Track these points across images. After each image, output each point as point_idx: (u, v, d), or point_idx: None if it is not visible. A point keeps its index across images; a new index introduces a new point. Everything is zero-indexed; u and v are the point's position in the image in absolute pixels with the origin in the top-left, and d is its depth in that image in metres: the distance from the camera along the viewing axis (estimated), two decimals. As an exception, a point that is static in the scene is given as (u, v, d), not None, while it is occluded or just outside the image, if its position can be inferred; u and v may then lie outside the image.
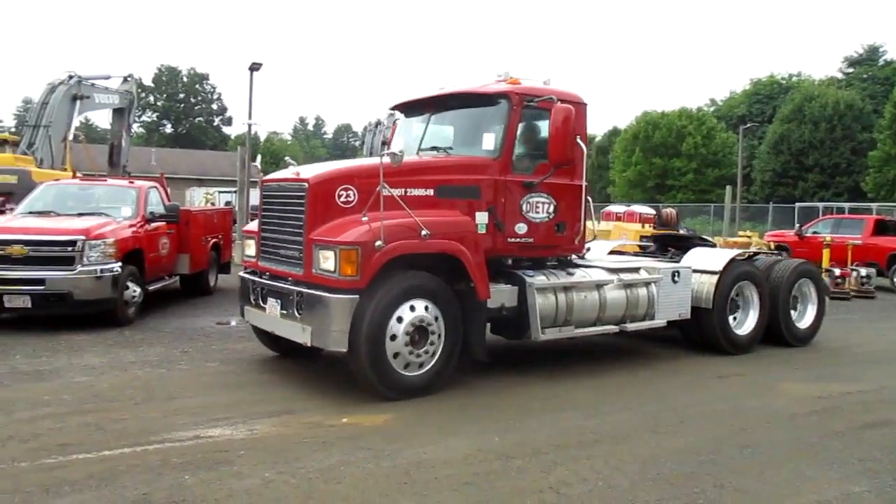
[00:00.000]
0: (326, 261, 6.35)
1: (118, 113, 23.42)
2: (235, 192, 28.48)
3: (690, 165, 53.51)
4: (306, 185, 6.69)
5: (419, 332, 6.56)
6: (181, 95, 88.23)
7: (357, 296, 6.30)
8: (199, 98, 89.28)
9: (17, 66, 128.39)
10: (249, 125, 28.66)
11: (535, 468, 5.07)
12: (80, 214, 10.58)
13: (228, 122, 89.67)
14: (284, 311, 6.83)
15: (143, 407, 6.26)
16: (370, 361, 6.35)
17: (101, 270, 9.54)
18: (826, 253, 17.41)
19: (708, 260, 9.27)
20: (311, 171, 6.96)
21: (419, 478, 4.82)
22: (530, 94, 7.49)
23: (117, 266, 9.77)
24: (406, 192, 6.76)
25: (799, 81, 59.85)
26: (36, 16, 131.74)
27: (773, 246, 18.40)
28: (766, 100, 59.83)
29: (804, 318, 10.27)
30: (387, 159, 6.32)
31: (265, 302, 7.21)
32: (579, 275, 7.89)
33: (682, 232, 13.75)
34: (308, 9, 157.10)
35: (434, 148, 7.71)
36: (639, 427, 6.12)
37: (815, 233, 20.96)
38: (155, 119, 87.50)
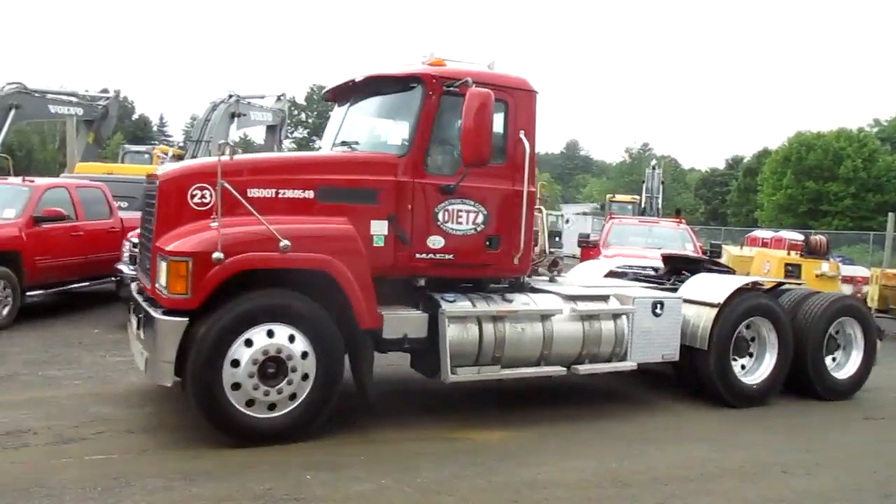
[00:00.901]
0: (162, 274, 5.37)
1: (271, 129, 24.93)
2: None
3: (848, 190, 49.87)
4: (157, 182, 5.81)
5: (276, 365, 5.45)
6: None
7: (186, 318, 5.28)
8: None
9: (187, 85, 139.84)
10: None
11: (651, 498, 4.95)
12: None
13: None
14: (139, 331, 5.90)
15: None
16: (200, 402, 5.31)
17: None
18: None
19: (708, 289, 7.57)
20: (172, 167, 5.98)
21: (530, 497, 4.84)
22: (451, 78, 6.14)
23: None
24: (278, 193, 5.73)
25: (980, 100, 54.42)
26: (203, 40, 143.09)
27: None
28: (940, 120, 54.89)
29: (845, 367, 8.27)
30: (225, 157, 5.40)
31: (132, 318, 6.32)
32: (520, 302, 6.50)
33: (691, 254, 10.91)
34: (448, 26, 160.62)
35: (344, 143, 6.76)
36: (768, 464, 5.81)
37: None
38: (306, 135, 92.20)
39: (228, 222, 5.31)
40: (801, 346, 7.84)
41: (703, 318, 7.30)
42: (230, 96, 22.69)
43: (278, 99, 25.16)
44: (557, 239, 23.25)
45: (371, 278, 5.72)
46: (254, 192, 5.60)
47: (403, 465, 5.27)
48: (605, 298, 7.04)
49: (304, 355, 5.52)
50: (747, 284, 7.83)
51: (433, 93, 6.13)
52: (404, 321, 5.99)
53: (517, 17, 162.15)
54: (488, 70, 6.57)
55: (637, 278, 8.93)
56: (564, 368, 6.63)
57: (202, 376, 5.23)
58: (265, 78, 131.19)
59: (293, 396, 5.52)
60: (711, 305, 7.33)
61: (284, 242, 5.32)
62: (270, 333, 5.41)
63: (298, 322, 5.49)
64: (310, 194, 5.81)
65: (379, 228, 5.97)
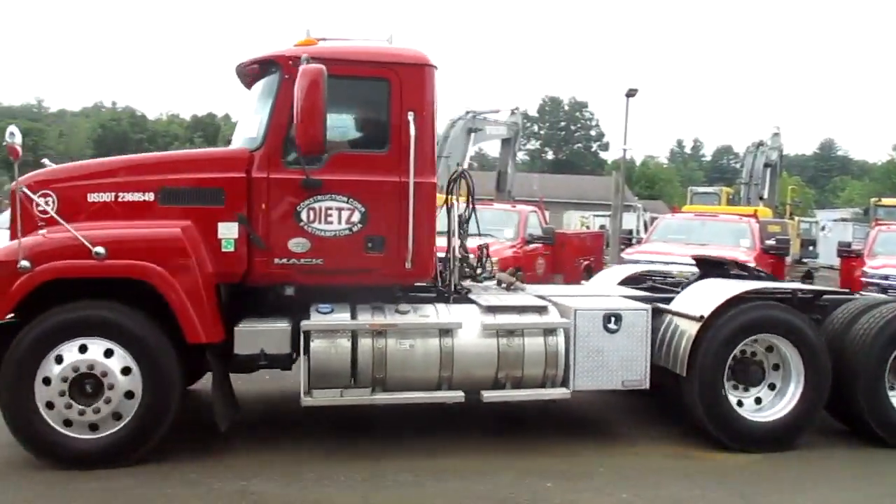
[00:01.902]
0: None
1: (505, 143, 25.66)
2: (609, 215, 29.17)
3: None
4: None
5: (91, 383, 5.00)
6: (562, 123, 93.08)
7: None
8: (579, 125, 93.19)
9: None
10: (624, 150, 29.10)
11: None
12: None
13: (605, 147, 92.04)
14: None
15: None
16: (13, 423, 5.00)
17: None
18: None
19: (697, 298, 6.02)
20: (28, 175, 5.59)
21: (788, 527, 4.50)
22: (312, 58, 5.27)
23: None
24: (117, 197, 5.38)
25: None
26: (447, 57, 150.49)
27: None
28: None
29: None
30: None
31: None
32: (418, 314, 5.59)
33: (721, 257, 8.49)
34: (684, 33, 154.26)
35: (228, 141, 6.29)
36: None
37: None
38: (538, 147, 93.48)
39: (58, 229, 5.11)
40: (848, 375, 5.98)
41: (685, 336, 5.77)
42: (467, 113, 23.81)
43: (512, 113, 25.82)
44: (812, 248, 21.24)
45: (203, 286, 5.24)
46: (94, 197, 5.38)
47: (644, 481, 5.16)
48: (539, 310, 5.85)
49: (126, 371, 5.06)
50: (754, 291, 6.09)
51: (290, 76, 5.37)
52: (259, 335, 5.37)
53: (764, 9, 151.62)
54: (380, 45, 5.83)
55: (655, 286, 7.55)
56: (462, 394, 5.57)
57: (11, 396, 4.98)
58: (499, 91, 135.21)
59: (118, 416, 5.07)
60: (694, 319, 5.76)
61: (97, 249, 4.98)
62: (83, 348, 5.03)
63: (122, 336, 5.07)
64: (150, 197, 5.41)
65: (227, 231, 5.39)
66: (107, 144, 73.58)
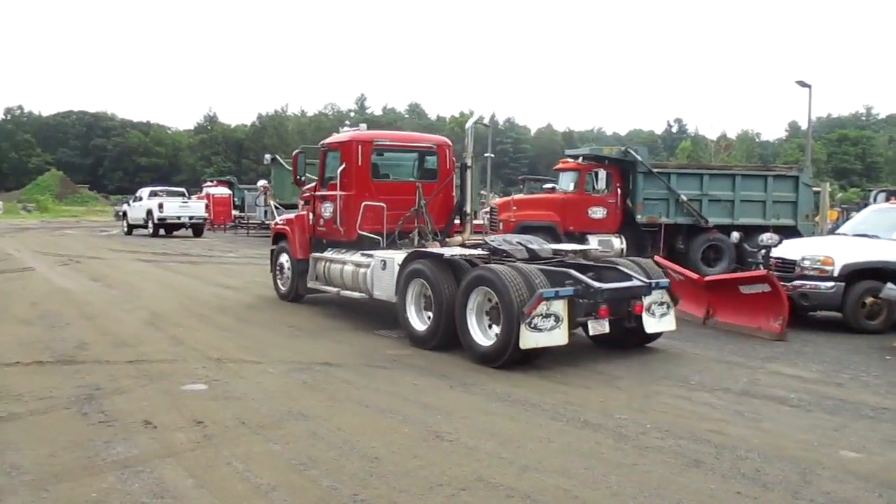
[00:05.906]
0: None
1: None
2: None
3: None
4: None
5: (284, 269, 12.56)
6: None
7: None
8: None
9: None
10: None
11: None
12: None
13: None
14: None
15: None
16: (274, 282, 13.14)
17: None
18: None
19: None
20: None
21: None
22: (324, 144, 12.11)
23: None
24: (307, 203, 12.43)
25: None
26: None
27: None
28: None
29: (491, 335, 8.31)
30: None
31: None
32: (345, 255, 11.16)
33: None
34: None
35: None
36: None
37: None
38: None
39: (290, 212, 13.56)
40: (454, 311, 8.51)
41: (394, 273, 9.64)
42: None
43: None
44: None
45: (301, 237, 12.08)
46: (300, 202, 13.22)
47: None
48: (371, 256, 10.30)
49: (287, 264, 12.42)
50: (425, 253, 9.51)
51: (322, 152, 11.96)
52: (309, 258, 11.97)
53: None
54: (341, 133, 12.10)
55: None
56: (336, 289, 11.18)
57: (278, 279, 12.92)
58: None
59: (290, 281, 12.33)
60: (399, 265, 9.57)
61: (279, 221, 12.91)
62: (283, 257, 12.59)
63: (286, 252, 12.42)
64: (302, 202, 12.82)
65: (310, 217, 12.06)
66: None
